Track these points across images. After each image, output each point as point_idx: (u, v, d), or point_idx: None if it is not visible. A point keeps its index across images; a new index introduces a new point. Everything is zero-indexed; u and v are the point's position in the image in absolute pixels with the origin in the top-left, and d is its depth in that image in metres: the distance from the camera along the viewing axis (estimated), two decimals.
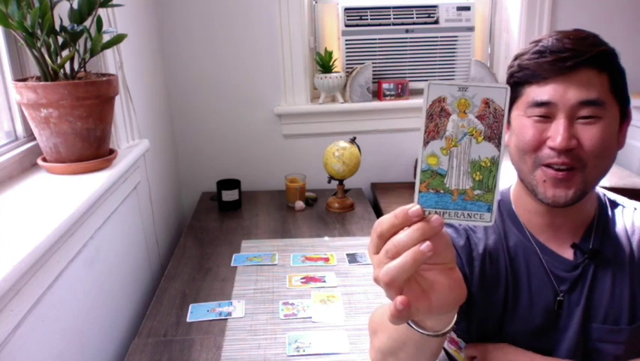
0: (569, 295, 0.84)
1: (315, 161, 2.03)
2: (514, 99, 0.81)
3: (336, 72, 2.06)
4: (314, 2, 2.12)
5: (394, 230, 0.50)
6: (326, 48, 2.09)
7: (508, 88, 0.49)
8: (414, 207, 0.50)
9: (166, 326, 1.24)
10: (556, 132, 0.75)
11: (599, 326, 0.83)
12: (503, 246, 0.87)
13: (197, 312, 1.29)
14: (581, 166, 0.76)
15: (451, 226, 0.87)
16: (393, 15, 2.10)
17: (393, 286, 0.49)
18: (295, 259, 1.55)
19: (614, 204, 0.89)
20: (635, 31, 2.09)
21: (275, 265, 1.52)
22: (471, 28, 2.13)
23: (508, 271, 0.86)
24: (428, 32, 2.12)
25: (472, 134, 0.49)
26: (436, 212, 0.50)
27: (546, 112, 0.76)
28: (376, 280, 0.52)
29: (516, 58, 0.81)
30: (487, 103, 0.48)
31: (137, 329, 1.24)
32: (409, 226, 0.49)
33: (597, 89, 0.75)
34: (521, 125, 0.79)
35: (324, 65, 2.04)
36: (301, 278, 1.44)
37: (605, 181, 1.66)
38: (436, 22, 2.12)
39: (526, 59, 0.78)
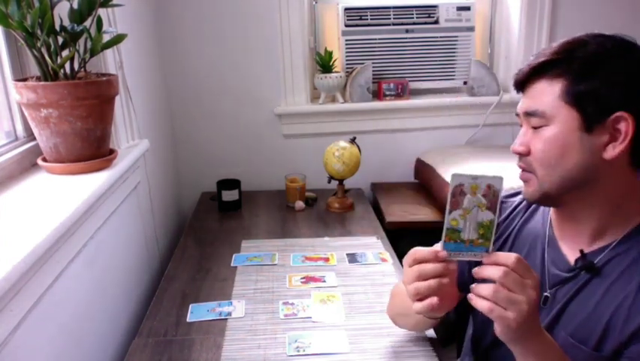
0: (555, 293, 0.85)
1: (315, 161, 2.03)
2: None
3: (336, 72, 2.06)
4: (314, 2, 2.12)
5: (424, 261, 0.76)
6: (326, 48, 2.09)
7: (503, 178, 0.72)
8: (442, 252, 0.75)
9: (166, 326, 1.24)
10: None
11: (564, 336, 0.81)
12: (515, 228, 0.94)
13: (197, 312, 1.29)
14: (532, 171, 0.83)
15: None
16: (393, 15, 2.10)
17: (417, 297, 0.76)
18: (295, 259, 1.55)
19: None
20: (634, 31, 2.08)
21: (275, 265, 1.52)
22: (471, 28, 2.13)
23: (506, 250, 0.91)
24: (428, 32, 2.12)
25: (479, 206, 0.74)
26: (453, 253, 0.76)
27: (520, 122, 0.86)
28: (409, 293, 0.78)
29: None
30: (489, 187, 0.73)
31: (137, 329, 1.24)
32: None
33: (542, 99, 0.79)
34: None
35: (324, 65, 2.04)
36: (301, 278, 1.44)
37: None
38: (436, 22, 2.12)
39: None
